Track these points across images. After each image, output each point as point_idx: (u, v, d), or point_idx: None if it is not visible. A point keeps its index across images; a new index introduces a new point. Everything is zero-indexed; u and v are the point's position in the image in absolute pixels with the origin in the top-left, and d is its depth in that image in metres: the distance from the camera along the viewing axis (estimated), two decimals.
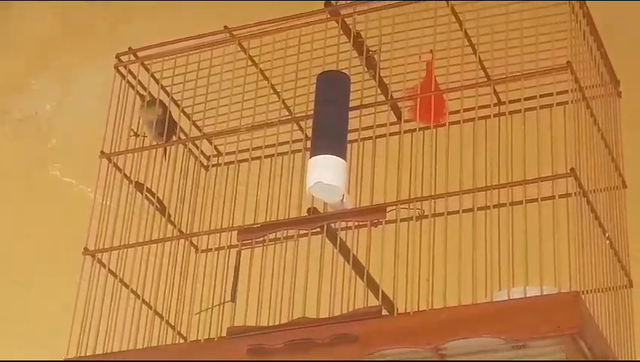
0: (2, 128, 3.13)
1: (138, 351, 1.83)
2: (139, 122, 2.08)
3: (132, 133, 2.05)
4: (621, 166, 2.00)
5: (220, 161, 2.15)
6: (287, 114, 2.05)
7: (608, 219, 1.90)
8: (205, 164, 2.18)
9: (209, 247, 1.99)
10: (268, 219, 1.95)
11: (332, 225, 1.84)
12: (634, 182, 2.05)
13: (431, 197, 1.80)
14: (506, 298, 1.67)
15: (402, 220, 1.85)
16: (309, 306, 1.80)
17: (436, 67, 1.98)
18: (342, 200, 1.84)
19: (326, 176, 1.82)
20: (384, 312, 1.77)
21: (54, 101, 3.12)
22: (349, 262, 1.87)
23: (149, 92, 2.10)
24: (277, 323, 1.78)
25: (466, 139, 1.90)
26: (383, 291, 1.79)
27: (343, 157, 1.85)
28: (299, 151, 2.01)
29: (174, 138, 2.07)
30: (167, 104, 2.08)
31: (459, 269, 1.74)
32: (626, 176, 2.02)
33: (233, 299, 1.84)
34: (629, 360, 1.84)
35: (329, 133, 1.86)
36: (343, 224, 1.89)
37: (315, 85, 1.95)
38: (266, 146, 2.00)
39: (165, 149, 2.06)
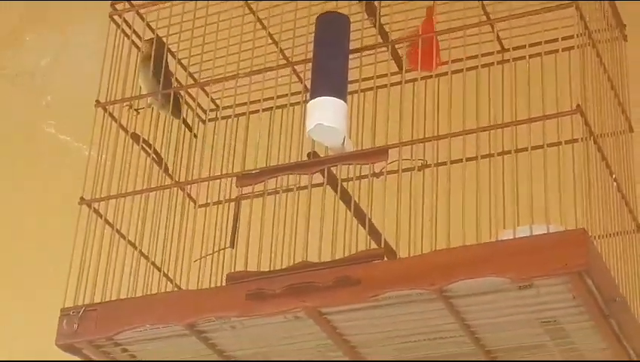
0: None
1: (135, 299, 1.79)
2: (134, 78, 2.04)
3: (127, 106, 2.01)
4: (628, 110, 1.96)
5: (217, 115, 2.11)
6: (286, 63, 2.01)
7: (615, 163, 1.86)
8: (203, 117, 2.14)
9: (208, 201, 1.96)
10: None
11: (333, 169, 1.80)
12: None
13: (434, 138, 1.76)
14: (512, 237, 1.62)
15: (404, 170, 1.81)
16: (311, 252, 1.76)
17: (438, 13, 1.94)
18: (343, 143, 1.80)
19: (326, 117, 1.78)
20: (386, 258, 1.73)
21: (50, 57, 3.07)
22: (350, 209, 1.84)
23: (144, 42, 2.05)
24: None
25: (469, 87, 1.87)
26: (385, 238, 1.76)
27: (344, 99, 1.81)
28: (298, 103, 1.97)
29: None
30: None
31: (462, 214, 1.70)
32: (632, 121, 1.98)
33: (233, 246, 1.80)
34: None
35: (329, 74, 1.82)
36: (345, 174, 1.86)
37: (313, 31, 1.91)
38: (265, 99, 1.96)
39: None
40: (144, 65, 2.01)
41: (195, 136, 2.05)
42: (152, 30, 2.06)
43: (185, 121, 2.06)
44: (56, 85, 3.03)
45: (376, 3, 1.96)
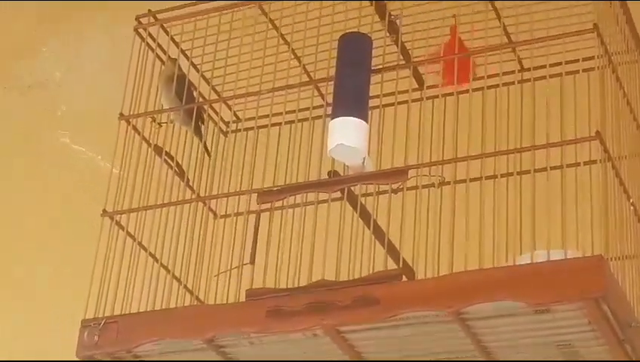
0: (12, 94, 3.10)
1: (155, 312, 1.82)
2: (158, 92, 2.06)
3: (152, 119, 2.03)
4: None
5: (239, 127, 2.13)
6: (308, 79, 2.03)
7: (632, 186, 1.87)
8: (224, 130, 2.16)
9: (227, 213, 1.98)
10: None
11: (352, 188, 1.82)
12: None
13: (453, 161, 1.78)
14: (529, 261, 1.64)
15: (424, 186, 1.83)
16: (329, 270, 1.79)
17: (460, 32, 1.96)
18: (363, 163, 1.82)
19: (347, 138, 1.80)
20: (404, 278, 1.75)
21: (64, 67, 3.09)
22: (369, 227, 1.86)
23: (169, 55, 2.08)
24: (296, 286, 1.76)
25: (489, 106, 1.88)
26: (403, 257, 1.78)
27: (365, 119, 1.83)
28: (319, 117, 1.99)
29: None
30: (185, 67, 2.06)
31: (480, 234, 1.72)
32: None
33: (252, 262, 1.82)
34: None
35: (350, 95, 1.84)
36: (364, 189, 1.88)
37: (335, 50, 1.93)
38: (286, 113, 1.98)
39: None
40: (167, 85, 2.03)
41: (209, 155, 2.06)
42: (176, 44, 2.08)
43: (205, 145, 2.07)
44: (70, 96, 3.05)
45: (397, 21, 1.97)
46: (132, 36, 2.07)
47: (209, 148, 2.06)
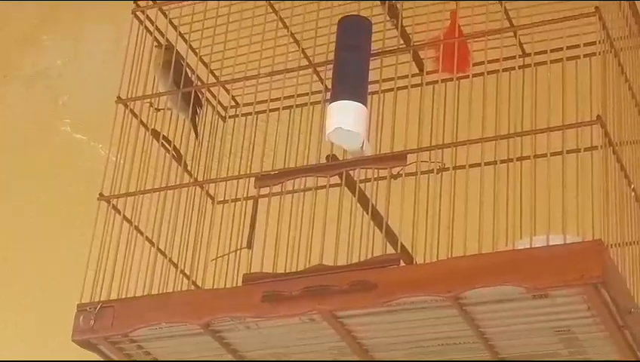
0: (13, 84, 3.09)
1: (151, 296, 1.80)
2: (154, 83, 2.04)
3: (148, 103, 2.02)
4: None
5: (237, 112, 2.12)
6: (307, 63, 2.01)
7: (634, 172, 1.86)
8: (223, 114, 2.15)
9: (226, 199, 1.97)
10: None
11: (351, 172, 1.81)
12: None
13: (453, 145, 1.76)
14: (528, 246, 1.63)
15: (423, 173, 1.81)
16: (327, 255, 1.77)
17: (460, 17, 1.94)
18: (362, 147, 1.80)
19: (346, 121, 1.78)
20: (402, 263, 1.74)
21: (65, 57, 3.07)
22: (367, 212, 1.84)
23: (167, 39, 2.06)
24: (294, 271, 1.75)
25: (489, 91, 1.87)
26: (401, 242, 1.76)
27: (364, 103, 1.82)
28: (318, 103, 1.98)
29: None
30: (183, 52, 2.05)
31: (479, 220, 1.71)
32: None
33: (249, 246, 1.81)
34: None
35: (349, 78, 1.82)
36: (363, 175, 1.86)
37: (335, 34, 1.91)
38: (285, 98, 1.96)
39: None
40: (163, 72, 2.01)
41: (197, 136, 2.04)
42: (175, 27, 2.06)
43: (195, 126, 2.05)
44: (72, 85, 3.03)
45: (398, 5, 1.96)
46: (133, 24, 2.06)
47: (202, 132, 2.05)
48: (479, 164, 1.76)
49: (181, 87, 2.01)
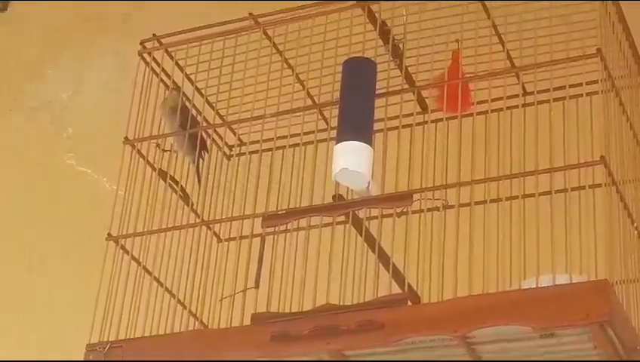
0: (18, 116, 3.12)
1: (160, 336, 1.82)
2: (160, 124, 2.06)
3: (155, 143, 2.04)
4: None
5: (242, 151, 2.14)
6: (312, 103, 2.03)
7: (635, 210, 1.88)
8: (228, 153, 2.17)
9: (232, 236, 1.98)
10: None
11: (357, 212, 1.83)
12: None
13: (457, 185, 1.78)
14: (535, 286, 1.64)
15: (428, 210, 1.83)
16: (333, 294, 1.79)
17: (463, 57, 1.97)
18: (367, 187, 1.82)
19: (352, 162, 1.81)
20: (409, 303, 1.76)
21: (70, 90, 3.10)
22: (374, 251, 1.86)
23: (173, 80, 2.09)
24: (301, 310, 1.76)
25: (492, 130, 1.89)
26: (408, 281, 1.78)
27: (369, 143, 1.84)
28: (323, 140, 2.00)
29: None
30: (189, 93, 2.07)
31: (484, 258, 1.73)
32: None
33: (257, 286, 1.82)
34: None
35: (355, 119, 1.85)
36: (369, 213, 1.88)
37: (339, 74, 1.94)
38: (290, 136, 1.98)
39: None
40: (170, 116, 2.03)
41: (199, 182, 2.06)
42: (181, 69, 2.08)
43: (197, 170, 2.07)
44: (76, 117, 3.06)
45: (401, 46, 1.98)
46: (137, 59, 2.08)
47: (208, 173, 2.07)
48: (484, 202, 1.78)
49: (188, 126, 2.03)
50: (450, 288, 1.73)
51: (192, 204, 2.03)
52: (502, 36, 1.93)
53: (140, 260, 1.93)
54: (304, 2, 2.02)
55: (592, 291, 1.58)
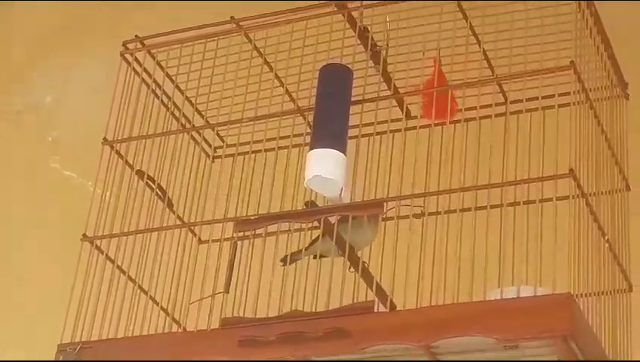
0: (2, 119, 3.12)
1: (130, 338, 1.83)
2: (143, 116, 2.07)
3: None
4: (626, 169, 1.98)
5: (222, 153, 2.14)
6: (291, 104, 2.04)
7: (610, 221, 1.88)
8: (210, 154, 2.17)
9: (211, 239, 1.99)
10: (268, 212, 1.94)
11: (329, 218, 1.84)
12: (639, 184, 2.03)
13: (432, 194, 1.78)
14: (499, 297, 1.65)
15: (400, 218, 1.84)
16: (307, 300, 1.80)
17: (447, 64, 1.96)
18: (340, 194, 1.83)
19: (324, 169, 1.81)
20: (381, 309, 1.77)
21: (55, 93, 3.11)
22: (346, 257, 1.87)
23: (154, 80, 2.09)
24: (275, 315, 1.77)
25: (470, 138, 1.90)
26: (379, 287, 1.79)
27: (343, 151, 1.84)
28: (300, 145, 2.00)
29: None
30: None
31: (458, 268, 1.73)
32: (632, 180, 1.99)
33: (227, 290, 1.83)
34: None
35: (329, 126, 1.85)
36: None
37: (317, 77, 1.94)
38: (268, 140, 1.99)
39: None
40: None
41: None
42: (162, 69, 2.10)
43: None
44: (61, 121, 3.06)
45: (382, 52, 1.98)
46: (120, 64, 2.09)
47: (190, 172, 2.07)
48: (455, 211, 1.78)
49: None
50: (424, 297, 1.74)
51: (172, 204, 2.03)
52: (481, 43, 1.93)
53: (118, 260, 1.94)
54: (287, 6, 2.03)
55: (554, 304, 1.59)
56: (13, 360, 2.61)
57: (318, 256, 1.89)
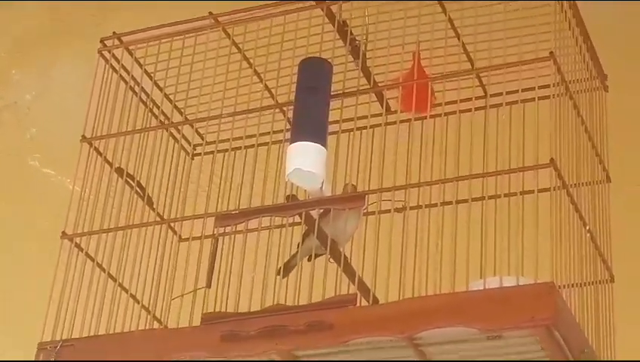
0: None
1: (111, 335, 1.82)
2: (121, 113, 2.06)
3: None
4: (606, 160, 1.99)
5: (201, 150, 2.13)
6: (270, 100, 2.03)
7: (591, 213, 1.88)
8: (189, 151, 2.16)
9: (187, 237, 1.98)
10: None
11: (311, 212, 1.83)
12: (619, 176, 2.04)
13: (413, 186, 1.78)
14: (482, 288, 1.65)
15: (382, 212, 1.84)
16: (289, 294, 1.79)
17: (426, 58, 1.96)
18: (321, 187, 1.83)
19: (305, 163, 1.81)
20: (364, 302, 1.76)
21: (34, 91, 3.09)
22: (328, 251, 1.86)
23: (132, 77, 2.08)
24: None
25: (450, 131, 1.90)
26: (361, 281, 1.78)
27: (323, 144, 1.84)
28: (280, 141, 1.99)
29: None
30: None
31: (440, 260, 1.73)
32: (611, 171, 2.00)
33: (208, 286, 1.82)
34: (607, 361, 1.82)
35: (309, 120, 1.85)
36: None
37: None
38: (247, 136, 1.98)
39: None
40: None
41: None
42: (140, 65, 2.08)
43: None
44: (40, 119, 3.05)
45: (361, 46, 1.98)
46: (98, 61, 2.08)
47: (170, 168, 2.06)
48: (436, 205, 1.78)
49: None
50: (407, 289, 1.73)
51: (150, 201, 2.02)
52: (460, 37, 1.93)
53: (98, 257, 1.92)
54: (265, 2, 2.03)
55: (536, 294, 1.59)
56: None
57: (313, 257, 1.88)
